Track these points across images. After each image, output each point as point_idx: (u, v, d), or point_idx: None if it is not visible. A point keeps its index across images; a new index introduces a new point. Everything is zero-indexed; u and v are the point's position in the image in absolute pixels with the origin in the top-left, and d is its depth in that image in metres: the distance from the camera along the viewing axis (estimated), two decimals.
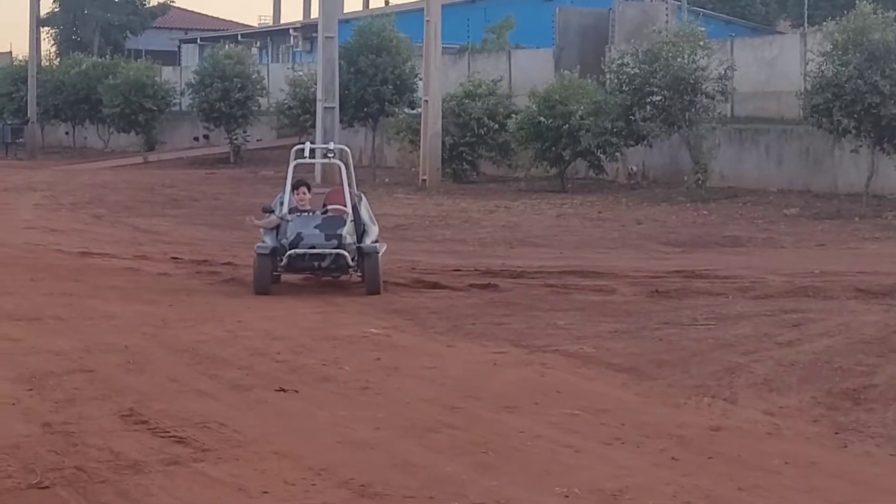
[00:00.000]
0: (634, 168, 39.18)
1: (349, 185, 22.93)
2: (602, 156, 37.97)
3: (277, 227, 21.77)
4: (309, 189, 22.40)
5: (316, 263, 21.26)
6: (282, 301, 19.20)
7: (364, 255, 21.08)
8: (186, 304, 18.90)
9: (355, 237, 21.36)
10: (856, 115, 30.31)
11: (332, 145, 25.15)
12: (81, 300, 19.17)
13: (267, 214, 21.99)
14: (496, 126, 41.08)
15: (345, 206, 22.27)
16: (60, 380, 13.45)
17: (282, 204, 22.37)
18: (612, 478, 10.25)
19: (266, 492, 9.79)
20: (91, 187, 42.73)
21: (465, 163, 41.95)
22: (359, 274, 21.31)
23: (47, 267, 23.05)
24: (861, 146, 31.31)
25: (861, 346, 15.21)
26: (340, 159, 24.51)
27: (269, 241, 21.56)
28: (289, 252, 20.83)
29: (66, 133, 69.10)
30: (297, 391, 12.82)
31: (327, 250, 20.80)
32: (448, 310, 18.26)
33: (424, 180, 39.85)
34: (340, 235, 20.67)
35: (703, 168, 35.63)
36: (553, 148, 38.27)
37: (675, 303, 18.60)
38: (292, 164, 23.00)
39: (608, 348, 15.29)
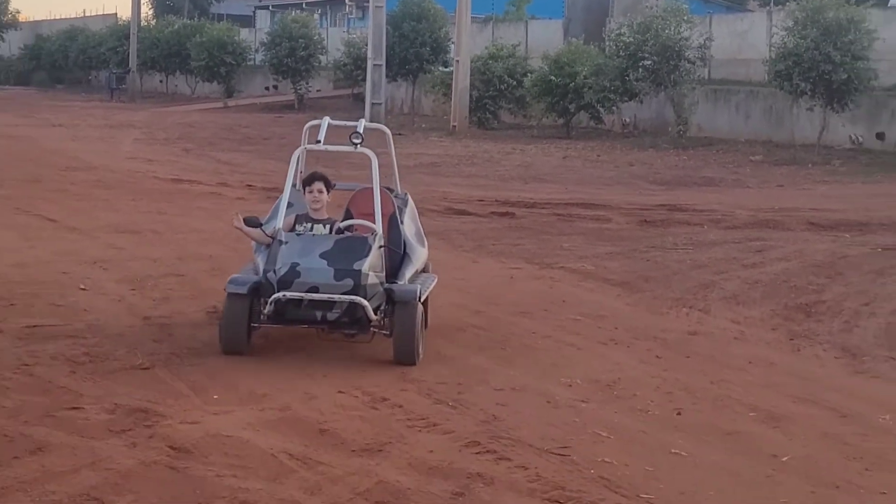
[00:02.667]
0: (627, 120, 39.11)
1: (393, 186, 12.62)
2: (601, 109, 38.01)
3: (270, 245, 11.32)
4: (328, 186, 11.57)
5: (318, 314, 10.78)
6: None
7: (395, 304, 10.86)
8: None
9: (384, 272, 11.07)
10: (811, 80, 30.49)
11: (362, 124, 12.11)
12: (173, 218, 19.20)
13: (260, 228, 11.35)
14: (514, 83, 41.17)
15: (381, 216, 11.45)
16: (157, 282, 13.58)
17: (286, 209, 11.54)
18: (607, 371, 10.33)
19: (325, 375, 9.87)
20: (180, 126, 42.68)
21: (488, 112, 41.90)
22: (385, 332, 10.91)
23: (145, 190, 23.06)
24: (815, 105, 31.38)
25: (812, 268, 15.23)
26: (380, 146, 12.79)
27: (252, 271, 11.36)
28: (275, 295, 10.61)
29: (160, 81, 69.02)
30: None
31: (336, 295, 10.55)
32: (473, 232, 18.28)
33: (454, 126, 39.73)
34: (358, 273, 10.57)
35: (684, 121, 35.72)
36: (561, 102, 38.36)
37: (659, 230, 18.62)
38: (300, 151, 12.17)
39: (605, 266, 15.34)
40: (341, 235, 10.85)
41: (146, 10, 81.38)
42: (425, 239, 12.18)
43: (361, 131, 11.36)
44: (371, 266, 10.41)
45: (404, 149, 33.15)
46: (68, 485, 7.27)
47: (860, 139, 31.89)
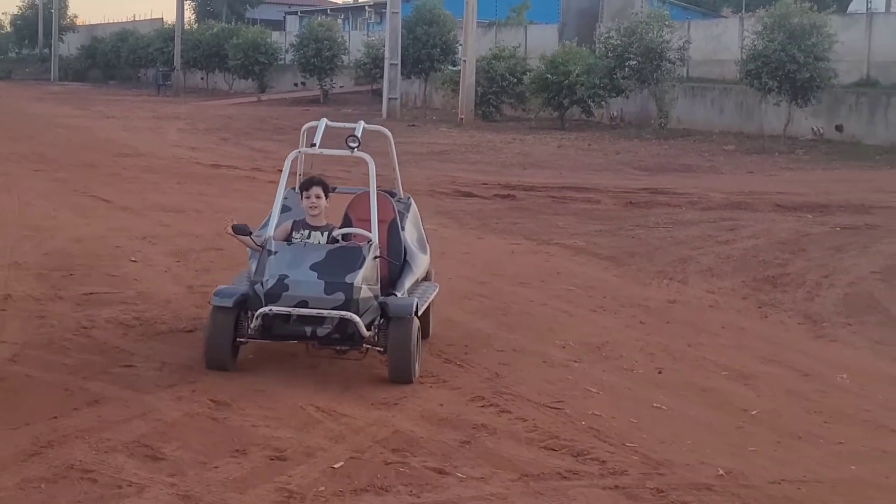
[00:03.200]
0: (615, 113, 39.03)
1: (395, 189, 10.84)
2: (591, 104, 37.94)
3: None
4: (326, 191, 9.83)
5: (308, 329, 9.16)
6: (338, 200, 19.00)
7: (390, 319, 9.15)
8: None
9: (378, 284, 9.32)
10: (778, 78, 30.53)
11: (360, 127, 10.29)
12: (213, 198, 19.19)
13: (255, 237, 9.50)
14: (515, 80, 41.15)
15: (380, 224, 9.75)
16: (199, 255, 13.61)
17: (281, 215, 9.79)
18: (596, 335, 10.35)
19: None
20: (219, 118, 42.66)
21: (491, 106, 41.86)
22: (379, 349, 9.21)
23: (188, 174, 23.06)
24: (781, 101, 31.33)
25: (778, 245, 15.24)
26: (379, 149, 10.99)
27: (246, 277, 9.63)
28: (261, 309, 8.95)
29: (201, 78, 68.96)
30: None
31: (326, 310, 8.94)
32: (478, 212, 18.28)
33: (461, 119, 39.67)
34: (350, 286, 8.93)
35: (665, 114, 35.73)
36: (556, 97, 38.32)
37: (643, 211, 18.60)
38: (294, 154, 10.09)
39: (594, 243, 15.35)
40: (334, 245, 9.15)
41: (189, 15, 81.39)
42: (427, 245, 10.47)
43: (359, 134, 9.61)
44: (365, 279, 8.75)
45: (417, 138, 33.19)
46: (121, 433, 7.32)
47: (821, 131, 31.87)
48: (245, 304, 8.78)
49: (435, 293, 10.00)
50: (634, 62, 35.38)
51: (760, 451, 7.48)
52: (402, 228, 9.85)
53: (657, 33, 35.42)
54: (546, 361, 9.43)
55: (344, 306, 8.54)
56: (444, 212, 18.09)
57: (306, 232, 9.30)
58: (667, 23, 36.10)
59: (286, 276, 8.65)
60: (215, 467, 6.79)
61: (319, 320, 8.66)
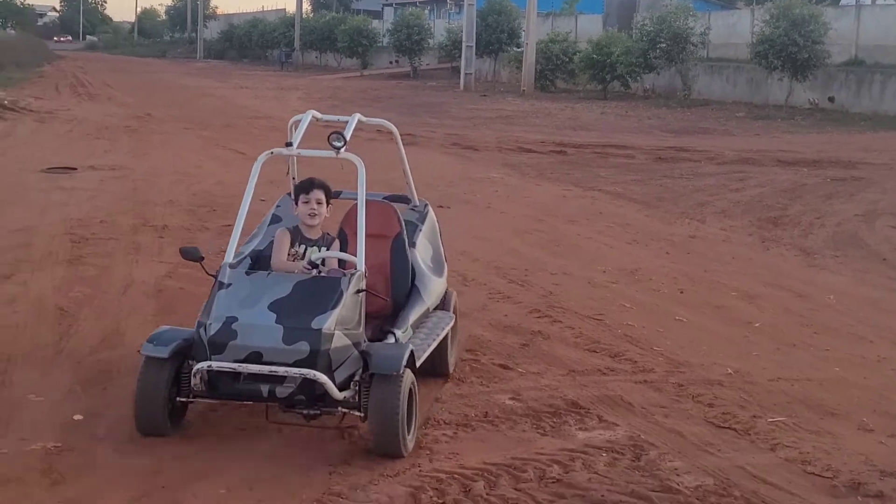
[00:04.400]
0: (648, 86, 38.52)
1: (409, 195, 7.36)
2: (629, 78, 37.54)
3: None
4: (328, 196, 6.27)
5: (264, 389, 5.43)
6: (427, 153, 19.01)
7: (374, 379, 5.43)
8: (381, 156, 18.59)
9: (361, 326, 5.68)
10: (782, 58, 30.25)
11: (353, 121, 6.47)
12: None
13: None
14: (567, 59, 40.78)
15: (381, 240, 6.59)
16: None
17: (272, 225, 6.73)
18: (631, 262, 10.31)
19: None
20: (329, 89, 42.70)
21: (547, 80, 41.49)
22: (358, 413, 5.51)
23: (305, 133, 23.07)
24: (784, 77, 30.91)
25: (780, 192, 15.08)
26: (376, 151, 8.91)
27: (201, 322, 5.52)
28: (198, 365, 5.39)
29: (316, 57, 68.89)
30: (449, 207, 12.89)
31: (282, 368, 5.30)
32: (536, 165, 18.19)
33: (524, 90, 39.39)
34: (318, 333, 5.35)
35: (688, 87, 35.35)
36: (600, 73, 37.98)
37: (669, 165, 18.43)
38: (265, 156, 6.24)
39: (630, 189, 15.25)
40: (303, 276, 5.68)
41: (306, 6, 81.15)
42: (446, 263, 7.10)
43: (351, 131, 6.21)
44: (340, 321, 5.40)
45: (488, 105, 33.04)
46: None
47: (816, 102, 31.36)
48: (189, 351, 5.47)
49: (448, 329, 6.57)
50: (664, 45, 34.96)
51: (762, 356, 7.46)
52: (412, 245, 6.67)
53: (683, 21, 35.08)
54: (590, 282, 9.43)
55: (309, 360, 5.25)
56: (508, 164, 18.04)
57: (302, 247, 6.09)
58: (691, 13, 35.80)
59: (234, 319, 5.33)
60: None
61: (276, 380, 5.34)
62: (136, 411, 5.48)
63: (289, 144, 6.12)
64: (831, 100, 31.15)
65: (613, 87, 39.21)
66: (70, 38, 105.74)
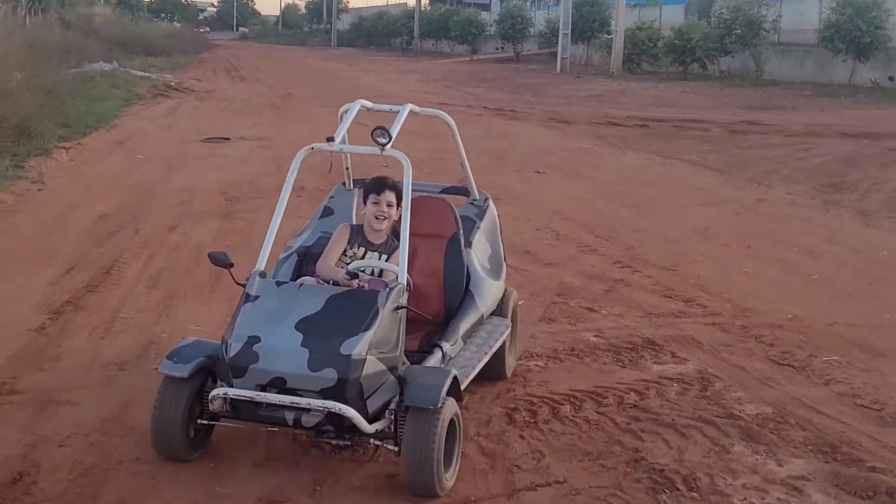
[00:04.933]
0: (724, 68, 37.53)
1: (468, 187, 5.80)
2: (707, 61, 36.54)
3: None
4: (400, 200, 4.81)
5: (289, 417, 4.11)
6: (526, 126, 18.88)
7: (409, 411, 4.10)
8: (486, 127, 18.60)
9: (400, 347, 4.25)
10: (846, 42, 29.21)
11: (404, 112, 5.00)
12: (431, 126, 19.18)
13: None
14: (652, 45, 39.86)
15: (436, 240, 5.19)
16: (429, 162, 13.58)
17: (323, 217, 5.45)
18: (703, 222, 10.14)
19: (528, 220, 9.92)
20: (443, 72, 42.57)
21: (634, 63, 40.66)
22: (391, 447, 4.19)
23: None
24: (848, 59, 29.86)
25: (840, 161, 14.59)
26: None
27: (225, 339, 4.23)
28: (214, 391, 4.15)
29: (432, 44, 68.58)
30: (545, 172, 12.84)
31: (304, 400, 4.01)
32: (623, 137, 17.91)
33: (612, 72, 38.71)
34: (347, 360, 3.99)
35: (760, 69, 34.29)
36: (681, 57, 37.05)
37: (741, 137, 17.97)
38: (304, 151, 4.80)
39: (705, 158, 14.93)
40: (338, 290, 4.41)
41: (425, 0, 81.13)
42: (505, 263, 5.67)
43: (398, 127, 4.82)
44: (375, 343, 4.16)
45: (582, 86, 32.61)
46: None
47: (878, 81, 30.21)
48: (212, 369, 4.36)
49: (503, 339, 5.27)
50: (739, 31, 33.97)
51: (819, 303, 7.31)
52: (469, 245, 5.32)
53: (757, 10, 34.05)
54: (666, 239, 9.31)
55: (336, 389, 4.04)
56: (597, 136, 17.82)
57: (361, 250, 4.91)
58: (764, 3, 34.71)
59: (257, 340, 4.14)
60: None
61: (301, 411, 4.14)
62: (153, 434, 4.33)
63: (330, 139, 4.70)
64: (891, 79, 30.01)
65: (692, 70, 38.30)
66: (208, 28, 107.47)
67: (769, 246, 9.13)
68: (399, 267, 4.41)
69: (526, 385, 5.54)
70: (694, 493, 4.40)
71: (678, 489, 4.43)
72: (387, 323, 4.22)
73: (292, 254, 5.16)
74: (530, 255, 8.45)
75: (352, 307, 4.24)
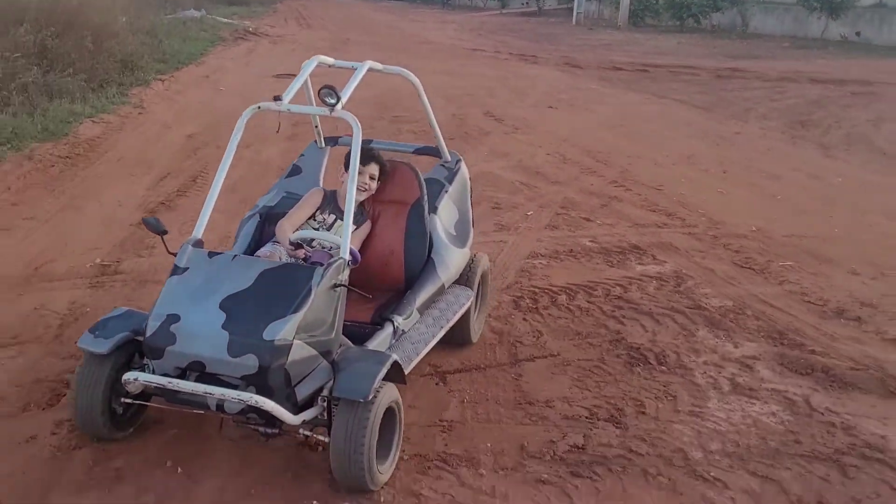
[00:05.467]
0: (715, 23, 36.37)
1: (438, 148, 4.49)
2: (700, 16, 35.44)
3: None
4: (383, 174, 4.09)
5: (210, 401, 3.07)
6: (544, 69, 18.55)
7: (340, 402, 3.09)
8: (510, 69, 18.30)
9: (335, 330, 3.19)
10: (821, 1, 28.25)
11: (361, 70, 3.84)
12: (470, 67, 18.75)
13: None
14: (654, 1, 38.78)
15: (399, 207, 4.07)
16: (461, 98, 13.44)
17: (292, 176, 4.30)
18: (688, 150, 9.97)
19: (541, 146, 9.83)
20: (477, 23, 41.55)
21: (638, 18, 39.54)
22: (322, 438, 3.22)
23: (457, 53, 22.61)
24: (821, 16, 28.89)
25: (809, 103, 14.20)
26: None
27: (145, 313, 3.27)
28: (127, 374, 3.14)
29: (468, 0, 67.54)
30: (556, 108, 12.65)
31: (219, 391, 3.00)
32: (625, 79, 17.47)
33: (619, 25, 37.76)
34: (270, 346, 2.95)
35: (746, 24, 33.24)
36: (679, 12, 36.01)
37: (725, 81, 17.51)
38: (251, 111, 3.56)
39: (694, 98, 14.57)
40: (271, 264, 3.34)
41: None
42: (472, 230, 4.53)
43: (351, 88, 3.73)
44: (305, 326, 3.12)
45: (593, 36, 31.85)
46: None
47: (846, 36, 29.26)
48: (126, 349, 3.40)
49: (463, 311, 4.23)
50: None
51: (780, 219, 7.23)
52: (434, 210, 4.25)
53: None
54: (655, 163, 9.18)
55: (258, 377, 3.09)
56: (604, 78, 17.47)
57: (332, 217, 3.99)
58: None
59: (176, 319, 3.17)
60: None
61: (229, 387, 3.15)
62: (75, 411, 3.40)
63: (277, 98, 3.56)
64: (858, 34, 29.05)
65: (688, 24, 37.20)
66: None
67: (742, 171, 9.01)
68: (343, 240, 3.38)
69: (531, 279, 5.58)
70: (663, 367, 4.45)
71: (650, 363, 4.49)
72: (321, 303, 3.19)
73: (255, 214, 4.12)
74: (540, 175, 8.40)
75: (283, 285, 3.20)
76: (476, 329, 4.58)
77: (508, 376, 4.29)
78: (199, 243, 3.45)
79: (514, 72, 17.66)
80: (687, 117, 12.54)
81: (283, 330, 3.08)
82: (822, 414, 4.05)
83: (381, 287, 4.03)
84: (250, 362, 3.05)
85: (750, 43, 29.85)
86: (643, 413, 3.99)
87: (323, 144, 4.59)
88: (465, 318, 4.35)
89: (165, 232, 3.49)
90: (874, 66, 22.13)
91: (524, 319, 4.96)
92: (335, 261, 3.33)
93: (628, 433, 3.82)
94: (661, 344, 4.70)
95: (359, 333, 3.63)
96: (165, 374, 3.16)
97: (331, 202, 4.05)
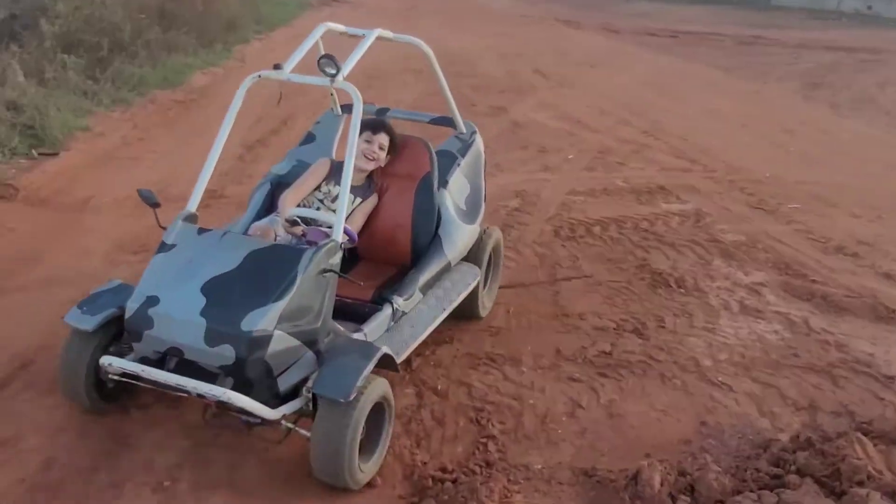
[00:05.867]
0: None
1: (450, 117, 3.67)
2: None
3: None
4: (394, 146, 3.28)
5: (191, 388, 2.37)
6: (586, 34, 17.97)
7: (317, 399, 2.42)
8: (556, 33, 17.71)
9: (321, 317, 2.50)
10: None
11: (369, 39, 3.07)
12: (517, 33, 18.41)
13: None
14: None
15: (407, 181, 3.19)
16: (529, 57, 13.05)
17: (306, 144, 3.49)
18: (712, 105, 9.62)
19: (582, 100, 9.56)
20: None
21: None
22: (304, 432, 2.48)
23: (510, 19, 22.17)
24: None
25: (822, 67, 13.60)
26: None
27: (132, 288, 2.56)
28: (103, 358, 2.54)
29: None
30: (596, 68, 12.26)
31: (192, 383, 2.38)
32: (658, 44, 16.70)
33: None
34: (247, 337, 2.32)
35: (768, 1, 31.69)
36: None
37: (748, 47, 16.76)
38: (251, 79, 2.97)
39: (719, 61, 13.95)
40: (260, 244, 2.66)
41: None
42: (483, 204, 3.72)
43: (356, 59, 2.99)
44: (289, 314, 2.47)
45: (630, 5, 30.63)
46: None
47: (859, 9, 27.74)
48: (108, 328, 2.76)
49: (468, 290, 3.55)
50: None
51: (791, 167, 7.00)
52: (444, 185, 3.54)
53: None
54: (682, 117, 8.84)
55: (236, 368, 2.46)
56: (639, 43, 16.74)
57: (337, 188, 3.23)
58: None
59: (155, 301, 2.54)
60: None
61: (210, 373, 2.53)
62: (61, 384, 2.83)
63: (277, 66, 2.90)
64: (870, 8, 27.51)
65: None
66: None
67: (759, 125, 8.70)
68: (336, 221, 2.71)
69: (570, 212, 5.54)
70: (682, 290, 4.41)
71: (671, 286, 4.44)
72: (308, 289, 2.56)
73: (266, 182, 3.51)
74: (581, 125, 8.22)
75: (269, 268, 2.58)
76: (486, 304, 3.84)
77: (548, 293, 4.29)
78: (191, 218, 2.81)
79: (560, 35, 17.18)
80: (712, 77, 12.11)
81: (263, 320, 2.44)
82: (819, 333, 3.98)
83: (388, 262, 3.38)
84: (227, 353, 2.44)
85: (771, 14, 28.49)
86: (663, 327, 3.97)
87: (339, 112, 3.87)
88: (474, 293, 3.63)
89: (158, 205, 2.80)
90: (883, 36, 21.03)
91: (563, 246, 4.93)
92: (326, 243, 2.66)
93: (649, 343, 3.81)
94: (680, 270, 4.64)
95: (359, 312, 2.99)
96: (146, 358, 2.59)
97: (338, 173, 3.21)
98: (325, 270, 2.61)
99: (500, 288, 4.25)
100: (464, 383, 3.37)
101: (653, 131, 8.07)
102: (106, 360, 2.61)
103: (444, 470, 2.79)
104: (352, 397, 2.47)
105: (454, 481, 2.71)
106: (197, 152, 6.55)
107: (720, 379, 3.54)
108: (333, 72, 2.84)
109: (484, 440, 2.98)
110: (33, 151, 6.08)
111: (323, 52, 2.91)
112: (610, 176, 6.42)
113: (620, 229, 5.23)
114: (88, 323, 2.71)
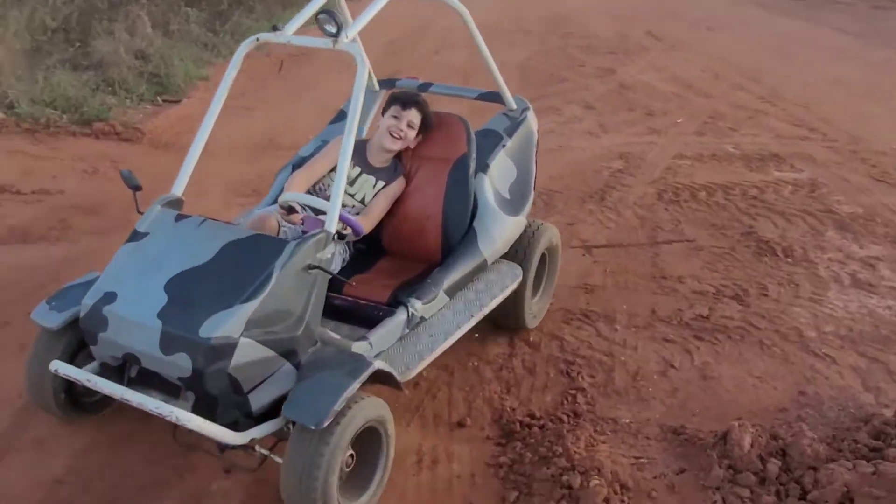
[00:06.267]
0: None
1: (501, 93, 2.97)
2: None
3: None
4: (426, 123, 2.75)
5: (151, 407, 1.81)
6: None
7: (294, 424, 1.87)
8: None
9: (305, 320, 2.02)
10: None
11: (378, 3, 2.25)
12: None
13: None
14: None
15: (440, 164, 2.58)
16: (626, 20, 12.69)
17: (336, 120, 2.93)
18: (837, 74, 9.03)
19: (695, 63, 9.24)
20: None
21: None
22: (276, 458, 2.03)
23: None
24: None
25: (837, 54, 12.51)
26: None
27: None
28: (53, 363, 2.08)
29: None
30: (714, 30, 11.74)
31: (137, 399, 1.91)
32: (783, 5, 15.69)
33: None
34: (206, 345, 1.85)
35: None
36: None
37: (883, 12, 15.51)
38: (250, 42, 2.44)
39: (848, 26, 13.01)
40: (239, 234, 2.16)
41: None
42: (532, 193, 3.07)
43: (367, 18, 2.51)
44: (260, 319, 1.99)
45: None
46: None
47: None
48: (73, 330, 2.37)
49: (504, 295, 2.92)
50: None
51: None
52: (484, 168, 2.94)
53: None
54: (803, 84, 8.38)
55: (194, 381, 2.01)
56: (762, 4, 15.86)
57: (356, 170, 2.83)
58: None
59: (112, 299, 2.11)
60: None
61: (174, 387, 2.07)
62: (26, 385, 2.45)
63: (276, 28, 2.53)
64: None
65: None
66: None
67: (888, 95, 8.12)
68: (330, 208, 2.24)
69: (675, 176, 5.43)
70: (789, 259, 4.28)
71: (777, 255, 4.32)
72: (287, 289, 2.12)
73: (288, 164, 3.10)
74: (692, 89, 7.97)
75: (244, 262, 2.14)
76: (535, 313, 3.27)
77: (647, 254, 4.26)
78: (173, 203, 2.42)
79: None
80: (839, 43, 11.39)
81: (225, 325, 2.00)
82: None
83: (415, 258, 2.87)
84: (183, 363, 2.02)
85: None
86: (765, 295, 3.88)
87: (377, 87, 3.35)
88: (519, 299, 3.07)
89: (139, 188, 2.42)
90: (884, 16, 19.00)
91: (665, 209, 4.86)
92: (314, 234, 2.20)
93: (749, 310, 3.74)
94: (789, 239, 4.49)
95: (373, 316, 2.54)
96: (104, 363, 2.19)
97: (357, 153, 2.85)
98: (312, 266, 2.13)
99: (598, 247, 4.28)
100: (556, 336, 3.43)
101: (770, 98, 7.73)
102: (52, 366, 2.17)
103: (532, 416, 2.87)
104: (325, 423, 1.97)
105: (541, 427, 2.79)
106: (306, 105, 6.80)
107: (823, 351, 3.44)
108: (333, 30, 2.39)
109: (573, 392, 3.04)
110: (158, 98, 6.50)
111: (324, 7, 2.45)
112: (720, 141, 6.22)
113: (727, 195, 5.10)
114: (53, 321, 2.32)
